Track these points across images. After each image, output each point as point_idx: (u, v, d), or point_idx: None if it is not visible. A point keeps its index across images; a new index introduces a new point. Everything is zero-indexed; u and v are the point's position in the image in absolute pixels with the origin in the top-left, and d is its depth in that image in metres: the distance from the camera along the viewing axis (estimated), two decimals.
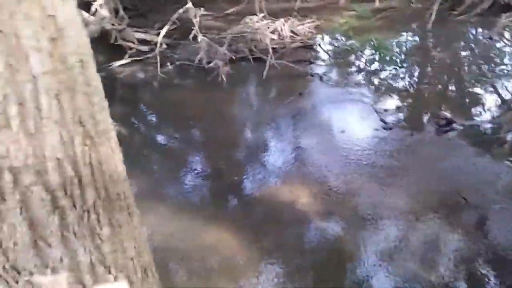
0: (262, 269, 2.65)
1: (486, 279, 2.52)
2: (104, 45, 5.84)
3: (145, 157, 3.96)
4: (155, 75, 5.29)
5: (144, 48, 5.71)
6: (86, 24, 5.44)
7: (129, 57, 5.55)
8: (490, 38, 6.38)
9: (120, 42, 5.76)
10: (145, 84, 5.53)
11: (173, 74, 5.52)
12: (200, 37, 5.03)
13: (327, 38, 6.76)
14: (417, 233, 2.86)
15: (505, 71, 5.49)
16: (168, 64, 5.54)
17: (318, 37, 6.59)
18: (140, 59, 5.58)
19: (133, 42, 5.76)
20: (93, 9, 5.61)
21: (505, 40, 6.49)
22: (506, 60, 6.02)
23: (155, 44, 5.55)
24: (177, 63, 5.47)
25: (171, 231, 2.96)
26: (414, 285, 2.48)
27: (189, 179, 3.64)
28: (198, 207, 3.28)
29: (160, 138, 4.46)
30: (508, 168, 3.45)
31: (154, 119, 5.02)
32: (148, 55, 5.56)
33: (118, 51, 5.74)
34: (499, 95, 4.89)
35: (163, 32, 5.29)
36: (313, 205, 3.18)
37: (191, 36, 5.11)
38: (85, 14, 5.46)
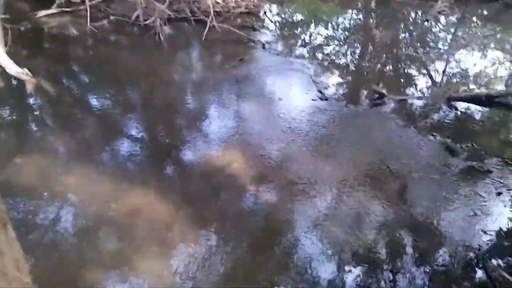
0: (191, 235, 2.59)
1: (405, 243, 2.67)
2: None
3: (76, 118, 3.68)
4: (87, 29, 4.90)
5: None
6: None
7: (58, 7, 5.06)
8: (427, 20, 6.68)
9: None
10: (76, 38, 5.08)
11: (107, 30, 5.13)
12: None
13: (273, 8, 6.67)
14: (345, 201, 2.95)
15: (437, 54, 5.79)
16: (103, 19, 5.14)
17: (265, 5, 6.47)
18: (70, 11, 5.11)
19: None
20: None
21: (440, 25, 6.82)
22: (439, 44, 6.36)
23: None
24: (112, 18, 5.10)
25: (99, 193, 2.81)
26: (340, 249, 2.56)
27: (121, 143, 3.43)
28: (129, 172, 3.12)
29: (92, 99, 4.13)
30: (429, 140, 3.65)
31: (85, 77, 4.65)
32: (79, 7, 5.11)
33: (45, 0, 5.21)
34: (430, 75, 5.15)
35: None
36: (247, 172, 3.14)
37: None
38: None
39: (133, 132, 3.56)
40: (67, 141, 3.37)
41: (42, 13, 4.96)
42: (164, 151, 3.37)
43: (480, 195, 3.04)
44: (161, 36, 4.70)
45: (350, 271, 2.44)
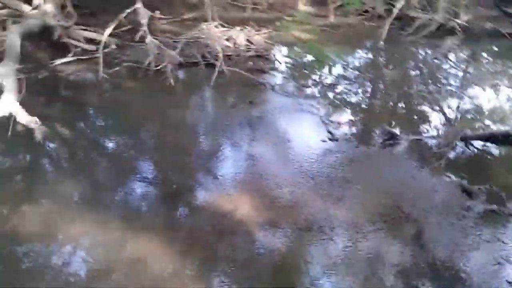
0: (200, 281, 2.52)
1: None
2: (47, 42, 5.52)
3: (87, 164, 3.72)
4: (102, 76, 5.05)
5: (91, 47, 5.43)
6: (24, 17, 5.12)
7: (74, 55, 5.26)
8: (436, 58, 6.68)
9: (65, 39, 5.44)
10: (91, 85, 5.23)
11: (121, 76, 5.28)
12: (148, 39, 4.85)
13: (283, 50, 6.81)
14: (358, 246, 2.83)
15: (450, 91, 5.75)
16: (117, 65, 5.30)
17: (274, 47, 6.61)
18: (85, 59, 5.29)
19: (79, 41, 5.46)
20: (35, 2, 5.27)
21: (450, 62, 6.81)
22: (451, 81, 6.32)
23: (104, 44, 5.31)
24: (125, 64, 5.23)
25: (107, 240, 2.79)
26: None
27: (132, 187, 3.43)
28: (139, 216, 3.10)
29: (106, 143, 4.19)
30: (444, 182, 3.53)
31: (99, 122, 4.75)
32: (94, 55, 5.29)
33: (62, 50, 5.42)
34: (443, 113, 5.07)
35: (108, 30, 5.03)
36: (257, 216, 3.07)
37: (137, 36, 4.91)
38: (26, 7, 5.13)
39: (144, 175, 3.56)
40: (77, 186, 3.39)
41: (58, 61, 5.14)
42: (174, 195, 3.34)
43: (503, 241, 2.87)
44: (171, 81, 4.80)
45: None
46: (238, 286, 2.53)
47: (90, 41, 5.68)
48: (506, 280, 2.56)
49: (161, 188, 3.47)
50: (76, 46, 5.50)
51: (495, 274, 2.63)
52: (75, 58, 5.31)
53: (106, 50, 5.30)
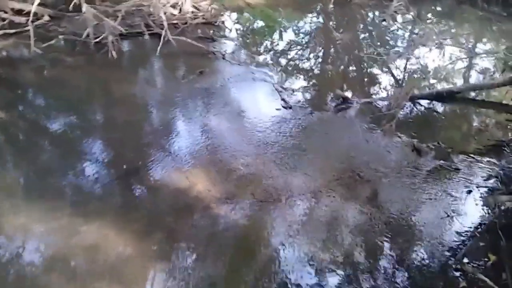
0: (162, 257, 2.44)
1: (381, 245, 2.61)
2: None
3: (32, 144, 3.44)
4: (34, 50, 4.61)
5: (20, 19, 4.92)
6: None
7: (1, 29, 4.74)
8: (384, 20, 6.76)
9: None
10: (24, 61, 4.78)
11: (57, 50, 4.85)
12: (84, 7, 4.44)
13: (232, 16, 6.57)
14: (316, 211, 2.86)
15: (398, 52, 5.85)
16: (52, 39, 4.85)
17: (223, 14, 6.36)
18: (15, 33, 4.80)
19: (5, 12, 4.92)
20: None
21: (397, 23, 6.93)
22: (398, 42, 6.45)
23: (35, 15, 4.82)
24: (61, 37, 4.82)
25: (59, 225, 2.61)
26: (317, 259, 2.47)
27: (81, 168, 3.20)
28: (92, 197, 2.92)
29: (48, 124, 3.87)
30: (396, 142, 3.62)
31: (38, 102, 4.37)
32: (25, 28, 4.80)
33: None
34: (392, 75, 5.18)
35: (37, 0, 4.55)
36: (214, 190, 3.00)
37: (71, 5, 4.48)
38: None
39: (93, 156, 3.34)
40: (20, 172, 3.13)
41: None
42: (127, 174, 3.17)
43: (451, 195, 3.01)
44: (113, 53, 4.48)
45: (329, 278, 2.37)
46: (199, 262, 2.48)
47: (18, 12, 5.16)
48: (456, 231, 2.70)
49: (112, 168, 3.27)
50: (3, 19, 4.97)
51: (445, 226, 2.77)
52: (2, 32, 4.81)
53: (37, 22, 4.83)
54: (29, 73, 4.61)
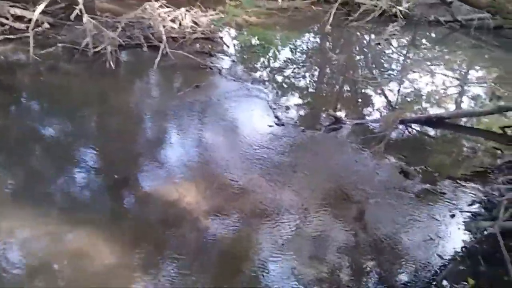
0: (149, 270, 2.43)
1: (366, 267, 2.64)
2: None
3: (23, 149, 3.45)
4: (33, 57, 4.66)
5: (20, 25, 4.99)
6: None
7: (1, 34, 4.80)
8: (379, 44, 6.91)
9: None
10: (22, 67, 4.83)
11: (55, 57, 4.91)
12: (85, 18, 4.52)
13: (231, 32, 6.69)
14: (304, 229, 2.89)
15: (392, 75, 5.99)
16: (51, 46, 4.91)
17: (222, 30, 6.47)
18: (14, 38, 4.86)
19: (6, 18, 4.99)
20: None
21: (392, 47, 7.09)
22: (392, 66, 6.59)
23: (35, 22, 4.89)
24: (60, 45, 4.87)
25: (45, 231, 2.60)
26: (303, 277, 2.49)
27: (72, 176, 3.22)
28: (80, 206, 2.93)
29: (42, 130, 3.88)
30: (384, 164, 3.68)
31: (34, 107, 4.40)
32: (25, 34, 4.86)
33: None
34: (385, 97, 5.28)
35: (40, 8, 4.63)
36: (205, 203, 3.03)
37: (73, 15, 4.56)
38: None
39: (85, 164, 3.35)
40: (10, 177, 3.13)
41: None
42: (117, 184, 3.19)
43: (436, 219, 3.06)
44: (111, 63, 4.54)
45: None
46: (186, 275, 2.49)
47: (19, 18, 5.24)
48: (437, 254, 2.74)
49: (103, 177, 3.29)
50: (3, 24, 5.04)
51: (428, 249, 2.81)
52: (2, 37, 4.87)
53: (37, 29, 4.90)
54: (26, 78, 4.66)
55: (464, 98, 5.55)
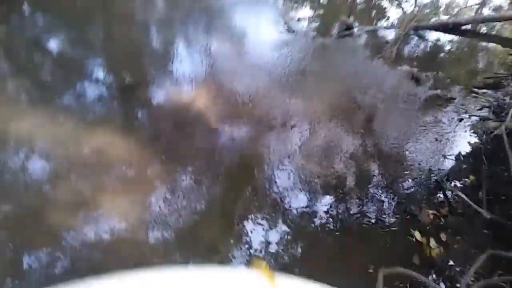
0: (164, 173, 2.56)
1: (372, 171, 2.76)
2: None
3: (33, 62, 3.42)
4: None
5: None
6: None
7: None
8: None
9: None
10: None
11: None
12: None
13: None
14: (315, 135, 2.96)
15: None
16: None
17: None
18: None
19: None
20: None
21: None
22: None
23: None
24: None
25: (63, 136, 2.70)
26: (311, 180, 2.61)
27: (83, 85, 3.23)
28: (94, 113, 2.96)
29: (49, 41, 3.82)
30: (396, 71, 3.63)
31: (37, 18, 4.30)
32: None
33: None
34: (400, 6, 5.02)
35: None
36: (217, 110, 3.07)
37: None
38: None
39: (95, 73, 3.36)
40: (24, 87, 3.18)
41: None
42: (129, 91, 3.23)
43: (443, 122, 3.11)
44: None
45: (321, 200, 2.52)
46: (200, 177, 2.61)
47: None
48: (443, 155, 2.83)
49: (113, 86, 3.32)
50: None
51: (434, 151, 2.90)
52: None
53: None
54: None
55: (485, 10, 5.26)
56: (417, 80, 3.46)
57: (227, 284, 0.56)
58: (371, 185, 2.68)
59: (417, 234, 2.29)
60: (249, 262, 2.35)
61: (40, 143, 2.71)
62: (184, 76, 3.40)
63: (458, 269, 2.28)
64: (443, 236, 2.30)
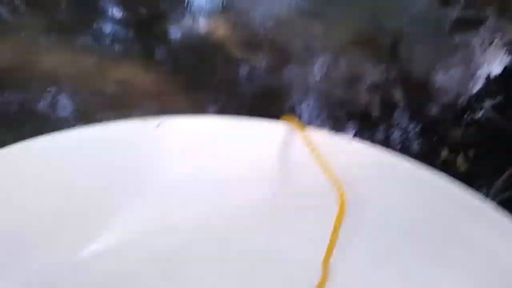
0: (187, 101, 2.58)
1: (397, 101, 2.66)
2: None
3: (50, 2, 3.40)
4: None
5: None
6: None
7: None
8: None
9: None
10: None
11: None
12: None
13: None
14: (338, 63, 2.88)
15: None
16: None
17: None
18: None
19: None
20: None
21: None
22: None
23: None
24: None
25: (84, 70, 2.72)
26: (337, 111, 2.57)
27: (98, 22, 3.21)
28: (112, 48, 2.94)
29: None
30: None
31: None
32: None
33: None
34: None
35: None
36: (235, 38, 3.01)
37: None
38: None
39: (111, 10, 3.34)
40: (40, 24, 3.19)
41: None
42: (147, 26, 3.19)
43: (474, 44, 2.95)
44: None
45: (346, 129, 2.48)
46: (222, 106, 2.61)
47: None
48: (472, 76, 2.72)
49: (131, 22, 3.29)
50: None
51: (463, 75, 2.78)
52: None
53: None
54: None
55: None
56: (446, 1, 3.26)
57: (254, 134, 0.55)
58: (396, 113, 2.63)
59: (444, 154, 2.26)
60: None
61: (65, 79, 2.76)
62: (201, 7, 3.32)
63: (485, 183, 2.26)
64: (470, 153, 2.26)
